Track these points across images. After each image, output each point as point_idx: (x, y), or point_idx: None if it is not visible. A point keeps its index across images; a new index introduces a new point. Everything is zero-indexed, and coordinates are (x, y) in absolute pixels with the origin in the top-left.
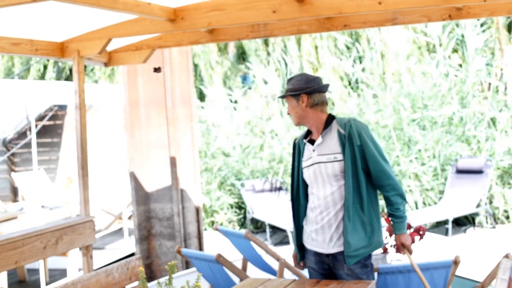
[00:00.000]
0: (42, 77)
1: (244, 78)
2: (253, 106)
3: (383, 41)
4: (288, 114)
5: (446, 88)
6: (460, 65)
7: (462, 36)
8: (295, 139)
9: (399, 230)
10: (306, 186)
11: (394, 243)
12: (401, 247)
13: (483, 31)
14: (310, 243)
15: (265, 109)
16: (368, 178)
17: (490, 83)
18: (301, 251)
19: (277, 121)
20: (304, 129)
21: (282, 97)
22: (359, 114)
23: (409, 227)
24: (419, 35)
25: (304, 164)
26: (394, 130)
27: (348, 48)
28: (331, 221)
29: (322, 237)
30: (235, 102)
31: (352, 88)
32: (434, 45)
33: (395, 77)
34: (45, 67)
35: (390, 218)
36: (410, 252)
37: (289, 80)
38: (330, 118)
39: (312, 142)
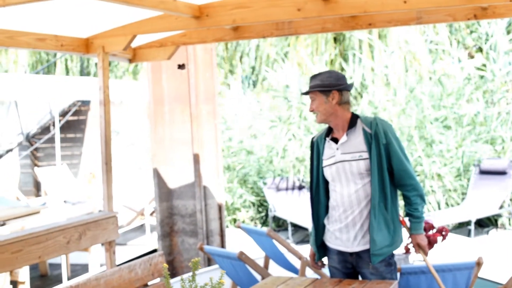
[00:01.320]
0: (67, 72)
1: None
2: (275, 104)
3: (406, 41)
4: (312, 111)
5: (471, 87)
6: (484, 65)
7: (487, 34)
8: (313, 138)
9: (415, 230)
10: (326, 184)
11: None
12: (416, 247)
13: (509, 31)
14: (334, 242)
15: (288, 109)
16: (391, 177)
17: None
18: (320, 250)
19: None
20: (321, 127)
21: (307, 93)
22: (381, 112)
23: (432, 227)
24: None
25: (325, 162)
26: (416, 130)
27: (370, 46)
28: (356, 219)
29: (346, 235)
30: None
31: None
32: (458, 42)
33: (418, 76)
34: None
35: (408, 218)
36: (425, 252)
37: (315, 76)
38: (354, 117)
39: (335, 140)
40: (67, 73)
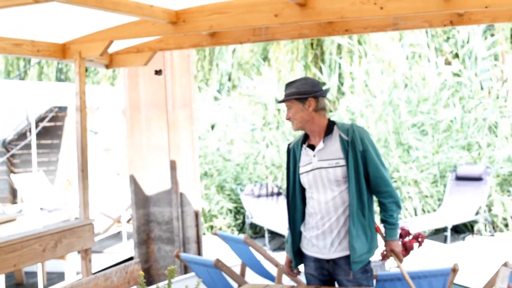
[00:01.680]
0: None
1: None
2: (253, 111)
3: (378, 46)
4: (288, 119)
5: (447, 93)
6: (460, 71)
7: (463, 41)
8: (289, 144)
9: (390, 237)
10: (302, 191)
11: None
12: (390, 254)
13: (485, 38)
14: (310, 249)
15: (265, 115)
16: (367, 183)
17: (491, 88)
18: (296, 257)
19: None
20: (298, 133)
21: (283, 101)
22: (358, 118)
23: (408, 234)
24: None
25: (302, 169)
26: (393, 135)
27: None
28: (333, 226)
29: (323, 242)
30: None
31: (351, 92)
32: (436, 48)
33: (394, 82)
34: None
35: (383, 224)
36: (400, 259)
37: (291, 83)
38: (331, 123)
39: (311, 147)
40: (41, 78)
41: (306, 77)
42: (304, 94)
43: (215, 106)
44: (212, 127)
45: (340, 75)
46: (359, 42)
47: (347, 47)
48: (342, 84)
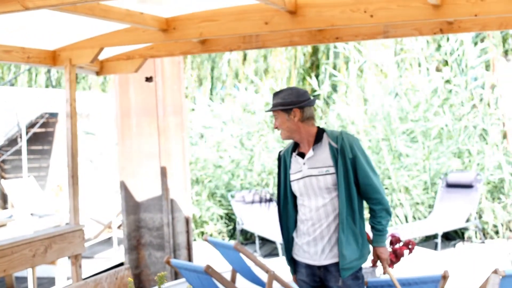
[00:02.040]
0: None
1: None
2: (244, 118)
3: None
4: (276, 128)
5: (438, 100)
6: (450, 78)
7: (452, 49)
8: (280, 152)
9: (377, 243)
10: (294, 198)
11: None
12: (377, 259)
13: (475, 43)
14: (302, 255)
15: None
16: (358, 190)
17: (482, 96)
18: (290, 263)
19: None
20: (287, 141)
21: (270, 110)
22: (349, 125)
23: (398, 240)
24: (409, 47)
25: (293, 177)
26: (384, 142)
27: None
28: (323, 233)
29: (314, 249)
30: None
31: (343, 99)
32: (425, 57)
33: (386, 89)
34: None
35: (371, 230)
36: (384, 265)
37: (277, 93)
38: (320, 131)
39: (301, 155)
40: (31, 84)
41: (292, 87)
42: (289, 105)
43: (208, 113)
44: (202, 135)
45: (332, 82)
46: (356, 48)
47: (342, 53)
48: (335, 91)
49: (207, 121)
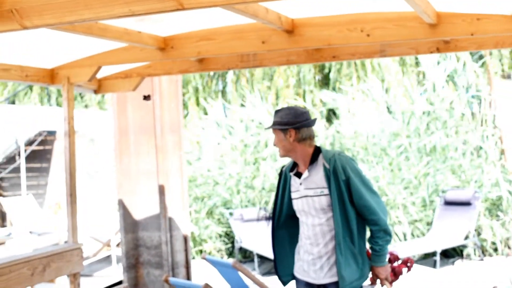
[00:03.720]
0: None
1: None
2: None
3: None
4: (275, 145)
5: (434, 116)
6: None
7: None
8: (283, 167)
9: (375, 263)
10: (289, 214)
11: None
12: (375, 278)
13: (474, 60)
14: (302, 274)
15: (256, 137)
16: (357, 210)
17: (474, 113)
18: (282, 278)
19: (267, 150)
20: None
21: (268, 128)
22: (348, 141)
23: (397, 258)
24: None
25: (293, 195)
26: (380, 158)
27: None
28: (321, 252)
29: (313, 268)
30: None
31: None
32: (423, 74)
33: (383, 105)
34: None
35: (369, 249)
36: (382, 284)
37: (277, 112)
38: (317, 151)
39: (298, 175)
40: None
41: (290, 107)
42: (286, 124)
43: (208, 129)
44: (200, 150)
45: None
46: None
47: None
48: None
49: (208, 137)
